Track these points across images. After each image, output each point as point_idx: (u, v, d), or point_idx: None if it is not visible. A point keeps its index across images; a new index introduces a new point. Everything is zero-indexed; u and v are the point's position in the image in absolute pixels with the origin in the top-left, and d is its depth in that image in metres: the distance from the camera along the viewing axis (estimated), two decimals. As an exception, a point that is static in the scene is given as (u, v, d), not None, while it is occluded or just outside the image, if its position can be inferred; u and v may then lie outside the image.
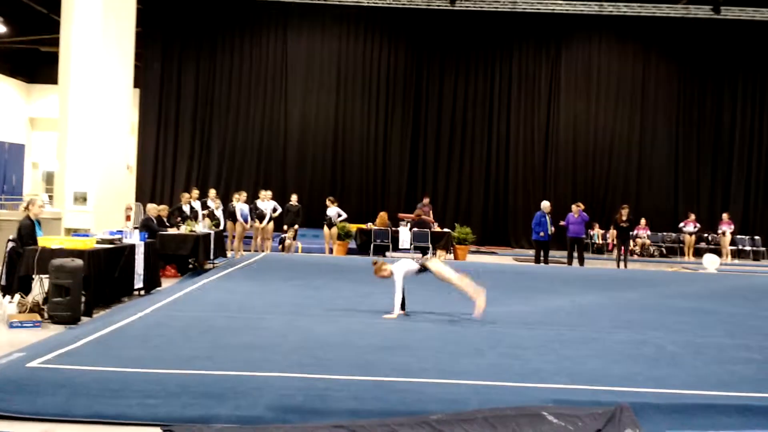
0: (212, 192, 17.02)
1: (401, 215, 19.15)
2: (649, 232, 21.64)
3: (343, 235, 17.65)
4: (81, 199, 14.35)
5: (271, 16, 22.65)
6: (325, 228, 17.50)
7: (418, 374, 5.46)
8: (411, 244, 17.37)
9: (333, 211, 17.50)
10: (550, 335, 7.34)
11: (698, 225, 21.32)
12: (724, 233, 21.03)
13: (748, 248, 21.83)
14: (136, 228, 11.43)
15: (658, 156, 23.07)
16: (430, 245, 17.40)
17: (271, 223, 16.93)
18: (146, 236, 10.28)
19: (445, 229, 18.44)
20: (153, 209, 13.04)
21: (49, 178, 28.39)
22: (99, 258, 8.41)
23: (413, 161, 22.81)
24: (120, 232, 9.93)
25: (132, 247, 9.43)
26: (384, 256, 17.27)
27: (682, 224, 21.49)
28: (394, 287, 8.02)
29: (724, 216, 21.26)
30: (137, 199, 20.41)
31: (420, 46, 22.89)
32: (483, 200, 22.77)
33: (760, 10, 21.46)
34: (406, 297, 8.14)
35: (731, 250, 21.22)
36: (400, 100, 22.84)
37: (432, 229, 17.88)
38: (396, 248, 17.47)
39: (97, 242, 8.85)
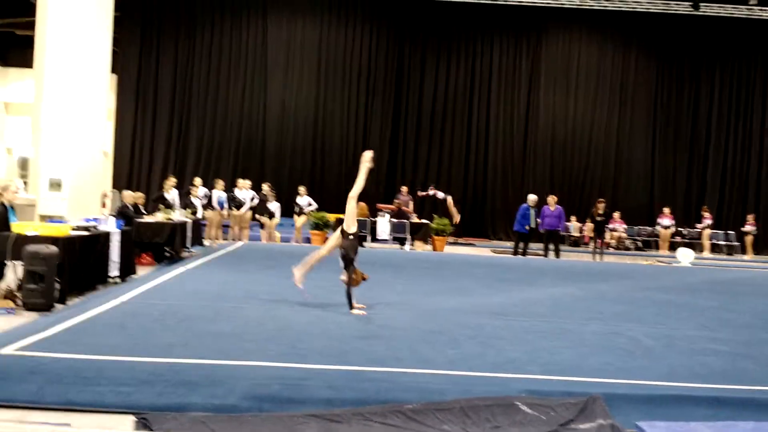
0: (198, 180, 16.81)
1: (380, 205, 19.15)
2: (624, 226, 21.83)
3: (321, 225, 17.61)
4: (56, 185, 14.20)
5: (250, 1, 22.48)
6: (296, 217, 17.55)
7: (394, 364, 5.48)
8: (390, 235, 17.38)
9: (305, 200, 17.52)
10: (525, 326, 7.40)
11: (673, 219, 21.57)
12: (704, 227, 21.26)
13: (722, 243, 22.11)
14: (112, 215, 11.33)
15: (636, 149, 23.29)
16: (409, 236, 17.43)
17: (249, 212, 16.87)
18: (122, 224, 10.20)
19: (424, 220, 18.47)
20: (129, 196, 12.92)
21: (23, 164, 27.95)
22: (74, 245, 8.33)
23: (393, 151, 22.80)
24: (95, 219, 9.84)
25: (107, 235, 9.34)
26: (362, 246, 17.25)
27: (659, 218, 21.70)
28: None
29: (705, 212, 21.50)
30: (114, 186, 20.22)
31: (401, 35, 22.85)
32: (462, 191, 22.81)
33: (738, 7, 21.70)
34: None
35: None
36: (380, 88, 22.79)
37: (411, 220, 17.90)
38: (374, 239, 17.47)
39: (73, 229, 8.76)
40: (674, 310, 9.27)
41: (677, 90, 23.33)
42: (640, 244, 22.05)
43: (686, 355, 6.44)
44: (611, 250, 20.51)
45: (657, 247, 21.77)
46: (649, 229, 22.37)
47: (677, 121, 23.31)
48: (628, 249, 21.44)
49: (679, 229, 22.17)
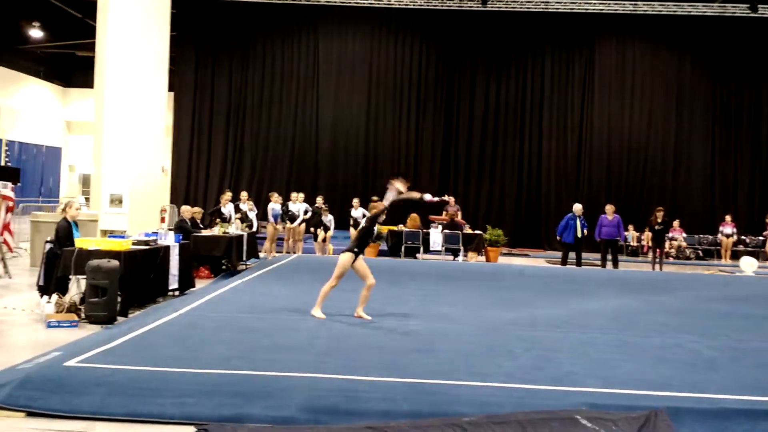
0: (244, 194, 17.06)
1: (432, 217, 19.10)
2: (684, 234, 21.30)
3: (374, 237, 17.64)
4: (117, 201, 14.55)
5: (302, 18, 22.78)
6: (352, 230, 17.59)
7: (450, 376, 5.44)
8: (442, 246, 17.31)
9: (359, 212, 17.60)
10: (584, 338, 7.27)
11: (735, 227, 20.95)
12: None
13: (787, 251, 21.36)
14: (170, 229, 11.57)
15: (695, 155, 22.72)
16: (462, 247, 17.33)
17: (303, 225, 17.03)
18: (181, 238, 10.40)
19: (477, 231, 18.34)
20: (187, 211, 13.16)
21: (85, 181, 28.91)
22: (135, 259, 8.53)
23: (445, 163, 22.75)
24: (155, 233, 10.06)
25: (167, 249, 9.54)
26: (415, 257, 17.24)
27: (721, 226, 21.10)
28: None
29: None
30: (172, 201, 20.67)
31: (451, 48, 22.84)
32: (515, 202, 22.63)
33: (799, 8, 21.05)
34: None
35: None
36: (431, 101, 22.80)
37: (463, 231, 17.79)
38: (427, 250, 17.43)
39: (133, 243, 8.98)
40: (737, 321, 8.99)
41: (736, 93, 22.70)
42: (700, 253, 21.49)
43: (752, 367, 6.23)
44: (671, 259, 20.03)
45: (719, 256, 21.18)
46: (711, 237, 21.77)
47: (737, 126, 22.68)
48: (688, 258, 20.91)
49: (742, 237, 21.53)
